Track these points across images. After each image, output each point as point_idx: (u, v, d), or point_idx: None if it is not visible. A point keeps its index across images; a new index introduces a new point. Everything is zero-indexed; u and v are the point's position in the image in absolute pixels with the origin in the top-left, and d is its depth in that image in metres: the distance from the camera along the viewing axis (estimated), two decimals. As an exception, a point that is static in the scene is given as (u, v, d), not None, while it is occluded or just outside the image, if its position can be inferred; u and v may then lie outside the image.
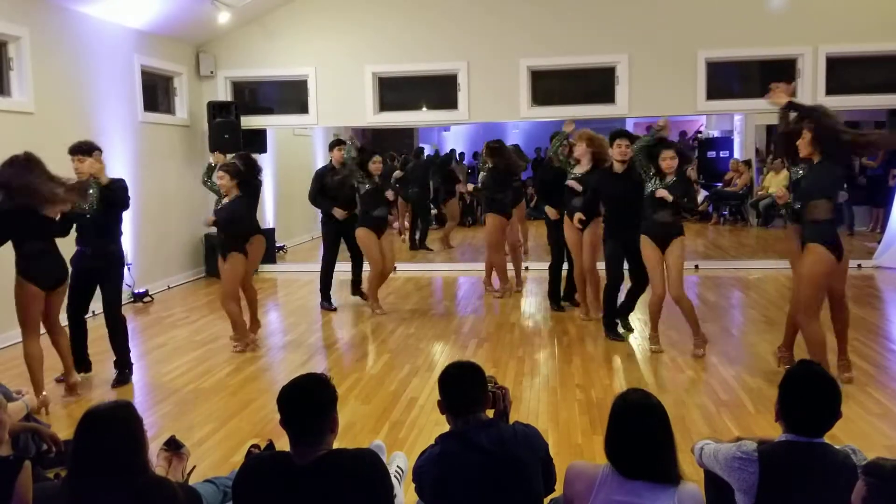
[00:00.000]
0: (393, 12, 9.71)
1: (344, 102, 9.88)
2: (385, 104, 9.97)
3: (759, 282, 8.80)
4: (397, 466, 3.34)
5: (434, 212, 13.74)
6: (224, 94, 10.02)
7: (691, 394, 4.91)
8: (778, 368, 5.19)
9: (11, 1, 6.76)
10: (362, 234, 7.24)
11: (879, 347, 5.89)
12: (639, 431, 2.28)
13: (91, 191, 5.07)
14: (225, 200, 6.11)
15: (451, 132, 19.74)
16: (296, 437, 2.38)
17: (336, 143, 7.66)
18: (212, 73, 9.98)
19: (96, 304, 5.65)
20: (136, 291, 8.18)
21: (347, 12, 9.76)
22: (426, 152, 15.25)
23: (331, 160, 7.64)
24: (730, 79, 9.73)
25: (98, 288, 5.42)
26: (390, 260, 7.36)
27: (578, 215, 6.46)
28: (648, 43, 9.29)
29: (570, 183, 6.66)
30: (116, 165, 7.48)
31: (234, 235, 6.11)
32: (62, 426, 4.35)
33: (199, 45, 9.95)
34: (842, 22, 8.96)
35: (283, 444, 2.76)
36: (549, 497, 2.69)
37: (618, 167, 6.11)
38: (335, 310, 7.64)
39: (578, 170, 6.65)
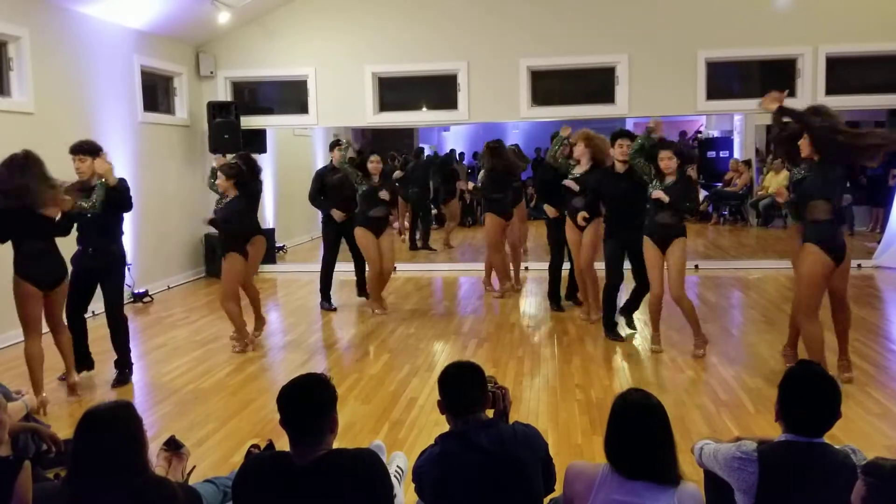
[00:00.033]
0: (393, 12, 9.71)
1: (344, 102, 9.88)
2: (385, 104, 9.97)
3: (759, 282, 8.80)
4: (397, 466, 3.34)
5: (434, 212, 13.75)
6: (224, 95, 10.02)
7: (691, 394, 4.91)
8: (781, 368, 5.19)
9: (11, 1, 6.76)
10: (360, 234, 7.25)
11: (879, 347, 5.89)
12: (639, 432, 2.28)
13: (97, 191, 5.06)
14: (224, 201, 6.13)
15: (451, 132, 19.75)
16: (295, 437, 2.38)
17: (336, 143, 7.66)
18: (212, 73, 9.98)
19: (96, 305, 5.65)
20: (136, 291, 8.18)
21: (347, 12, 9.76)
22: (426, 152, 15.26)
23: (331, 160, 7.64)
24: (730, 79, 9.73)
25: (98, 287, 5.41)
26: (388, 260, 7.34)
27: (582, 214, 6.45)
28: (648, 43, 9.29)
29: (567, 183, 6.67)
30: (116, 166, 7.39)
31: (233, 235, 6.11)
32: (62, 426, 4.35)
33: (198, 45, 9.95)
34: (842, 22, 8.96)
35: (283, 444, 2.76)
36: (549, 497, 2.69)
37: (619, 167, 6.11)
38: (335, 310, 7.64)
39: (578, 170, 6.66)
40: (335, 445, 2.46)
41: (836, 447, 2.45)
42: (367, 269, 7.60)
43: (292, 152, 12.83)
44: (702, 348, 5.70)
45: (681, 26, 9.25)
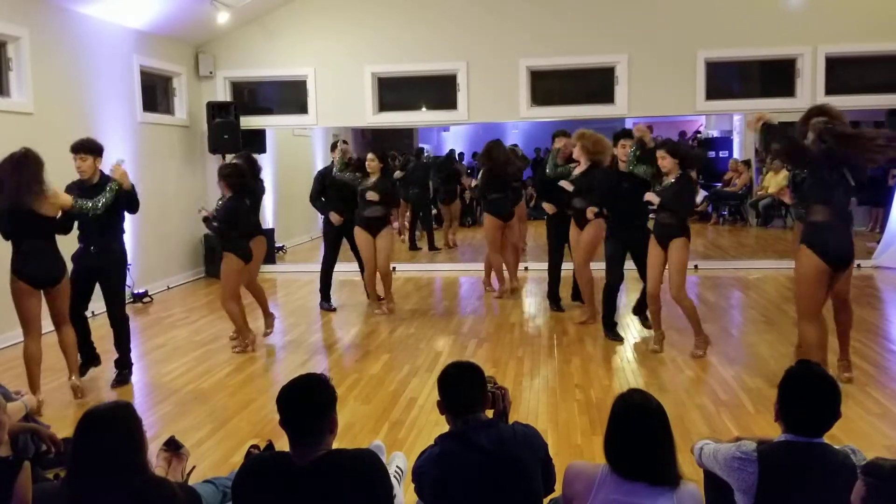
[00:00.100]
0: (393, 12, 9.71)
1: (343, 103, 9.88)
2: (384, 104, 9.97)
3: (758, 282, 8.80)
4: (397, 466, 3.34)
5: (434, 212, 13.75)
6: (223, 95, 10.02)
7: (691, 394, 4.91)
8: (781, 368, 5.18)
9: (11, 1, 6.76)
10: (357, 234, 7.29)
11: (879, 347, 5.89)
12: (639, 433, 2.27)
13: (105, 194, 5.05)
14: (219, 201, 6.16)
15: (451, 132, 19.75)
16: (295, 437, 2.38)
17: (338, 143, 7.65)
18: (211, 73, 9.98)
19: (95, 305, 5.64)
20: (135, 292, 8.18)
21: (347, 12, 9.76)
22: (426, 153, 15.25)
23: (332, 160, 7.63)
24: (729, 79, 9.74)
25: (98, 287, 5.39)
26: (382, 259, 7.28)
27: (592, 208, 6.42)
28: (648, 43, 9.29)
29: (563, 183, 6.71)
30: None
31: (228, 235, 6.12)
32: (62, 426, 4.34)
33: (198, 45, 9.95)
34: (841, 22, 8.96)
35: (282, 444, 2.76)
36: (549, 497, 2.69)
37: (623, 167, 6.11)
38: (335, 310, 7.64)
39: (578, 170, 6.65)
40: (335, 446, 2.46)
41: (836, 447, 2.45)
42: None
43: (292, 152, 12.83)
44: (702, 349, 5.70)
45: (680, 26, 9.25)
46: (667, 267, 5.68)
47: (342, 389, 4.98)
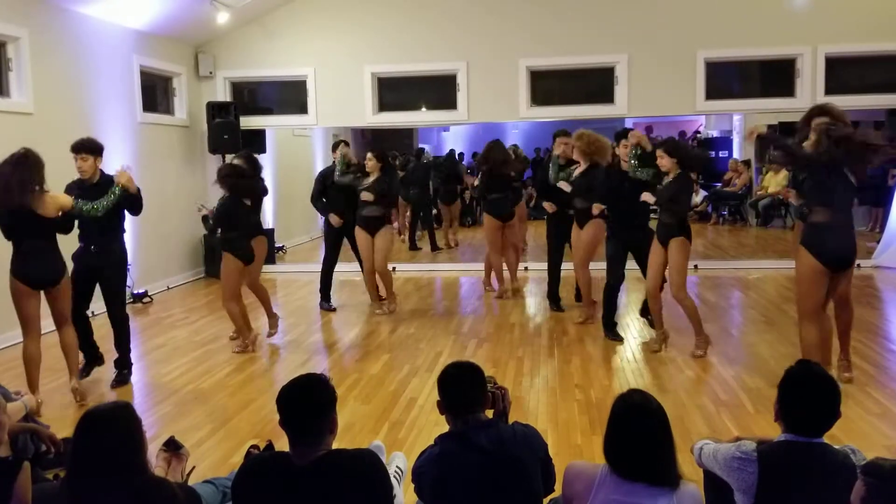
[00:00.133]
0: (393, 12, 9.71)
1: (343, 103, 9.88)
2: (384, 104, 9.97)
3: (758, 282, 8.80)
4: (396, 467, 3.34)
5: (434, 212, 13.74)
6: (223, 95, 10.02)
7: (691, 394, 4.91)
8: (781, 368, 5.17)
9: (11, 1, 6.75)
10: (356, 233, 7.32)
11: (879, 347, 5.89)
12: (639, 433, 2.27)
13: (109, 197, 5.05)
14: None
15: (451, 132, 19.75)
16: (295, 437, 2.38)
17: (339, 144, 7.65)
18: (211, 73, 9.98)
19: (95, 305, 5.64)
20: (135, 292, 8.18)
21: (347, 12, 9.76)
22: (426, 153, 15.24)
23: (334, 161, 7.63)
24: (729, 79, 9.73)
25: (98, 286, 5.38)
26: (379, 258, 7.26)
27: (598, 205, 6.39)
28: (648, 43, 9.29)
29: (561, 184, 6.71)
30: (116, 166, 7.44)
31: (226, 236, 6.12)
32: (61, 426, 4.34)
33: (198, 45, 9.95)
34: (841, 22, 8.96)
35: (282, 444, 2.76)
36: (549, 497, 2.69)
37: (625, 166, 6.11)
38: (335, 310, 7.64)
39: (578, 171, 6.65)
40: (335, 446, 2.46)
41: (836, 447, 2.45)
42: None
43: (292, 153, 12.83)
44: (702, 349, 5.69)
45: (680, 26, 9.25)
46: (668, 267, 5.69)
47: (342, 389, 4.98)
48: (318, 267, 7.81)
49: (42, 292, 4.82)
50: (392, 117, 10.17)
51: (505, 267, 8.12)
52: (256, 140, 10.13)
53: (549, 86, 9.74)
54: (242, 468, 2.52)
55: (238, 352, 6.13)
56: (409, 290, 8.74)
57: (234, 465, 3.45)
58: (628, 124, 12.17)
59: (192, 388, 5.30)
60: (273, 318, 6.59)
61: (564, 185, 6.69)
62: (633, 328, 6.67)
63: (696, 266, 9.45)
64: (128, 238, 5.53)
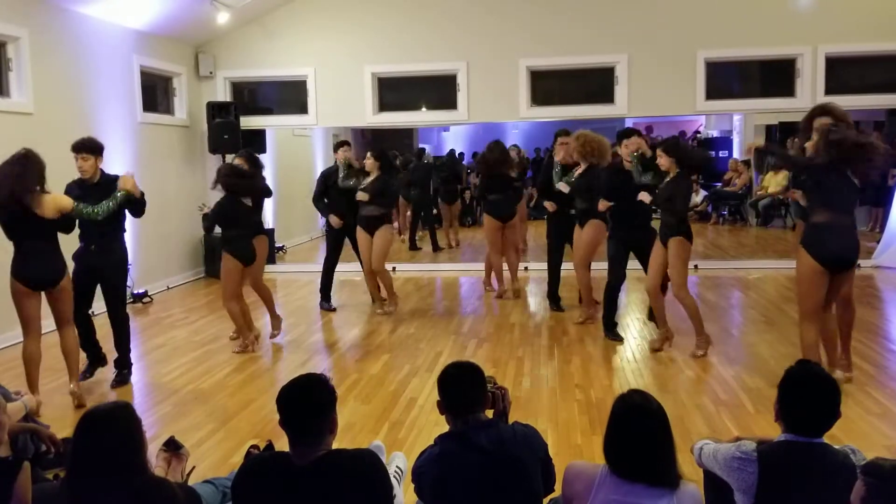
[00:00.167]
0: (393, 12, 9.71)
1: (343, 103, 9.88)
2: (384, 104, 9.97)
3: (758, 282, 8.80)
4: (396, 467, 3.34)
5: (434, 212, 13.75)
6: (223, 95, 10.03)
7: (691, 394, 4.91)
8: (781, 368, 5.17)
9: (11, 1, 6.75)
10: (357, 233, 7.32)
11: (879, 347, 5.89)
12: (639, 433, 2.27)
13: (112, 200, 5.05)
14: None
15: (451, 132, 19.74)
16: (295, 437, 2.38)
17: (340, 144, 7.65)
18: (211, 73, 9.98)
19: (95, 305, 5.63)
20: (135, 292, 8.18)
21: (347, 12, 9.76)
22: (426, 153, 15.24)
23: (335, 161, 7.63)
24: (729, 79, 9.73)
25: (99, 286, 5.38)
26: (376, 257, 7.26)
27: (605, 202, 6.37)
28: (648, 43, 9.29)
29: (559, 186, 6.71)
30: (116, 166, 7.47)
31: (225, 235, 6.12)
32: (61, 426, 4.34)
33: (198, 45, 9.95)
34: (841, 22, 8.96)
35: (282, 444, 2.76)
36: (549, 497, 2.69)
37: (627, 165, 6.10)
38: (335, 310, 7.64)
39: (577, 172, 6.65)
40: (335, 446, 2.46)
41: (836, 447, 2.45)
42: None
43: (292, 153, 12.82)
44: (703, 349, 5.69)
45: (680, 26, 9.25)
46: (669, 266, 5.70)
47: (342, 389, 4.98)
48: (319, 267, 7.81)
49: (43, 293, 4.82)
50: (392, 117, 10.17)
51: (505, 267, 8.12)
52: (256, 140, 10.13)
53: (549, 86, 9.74)
54: (242, 468, 2.52)
55: (238, 352, 6.13)
56: (409, 290, 8.74)
57: (234, 465, 3.45)
58: (628, 124, 12.15)
59: (192, 388, 5.30)
60: (276, 320, 6.57)
61: (563, 187, 6.69)
62: (633, 328, 6.68)
63: (696, 266, 9.44)
64: (128, 238, 5.53)
